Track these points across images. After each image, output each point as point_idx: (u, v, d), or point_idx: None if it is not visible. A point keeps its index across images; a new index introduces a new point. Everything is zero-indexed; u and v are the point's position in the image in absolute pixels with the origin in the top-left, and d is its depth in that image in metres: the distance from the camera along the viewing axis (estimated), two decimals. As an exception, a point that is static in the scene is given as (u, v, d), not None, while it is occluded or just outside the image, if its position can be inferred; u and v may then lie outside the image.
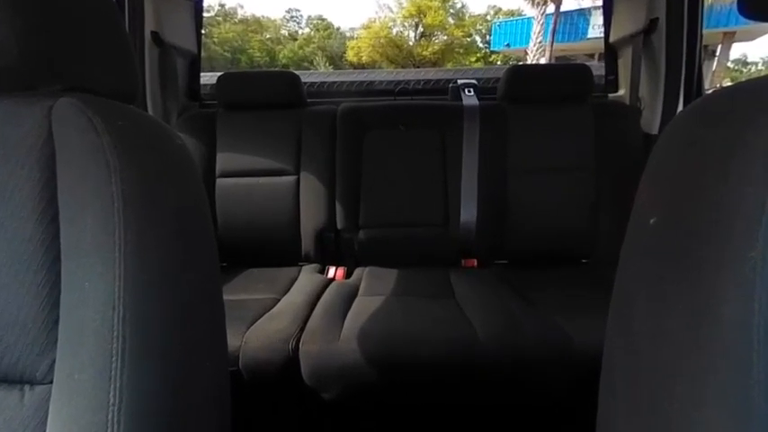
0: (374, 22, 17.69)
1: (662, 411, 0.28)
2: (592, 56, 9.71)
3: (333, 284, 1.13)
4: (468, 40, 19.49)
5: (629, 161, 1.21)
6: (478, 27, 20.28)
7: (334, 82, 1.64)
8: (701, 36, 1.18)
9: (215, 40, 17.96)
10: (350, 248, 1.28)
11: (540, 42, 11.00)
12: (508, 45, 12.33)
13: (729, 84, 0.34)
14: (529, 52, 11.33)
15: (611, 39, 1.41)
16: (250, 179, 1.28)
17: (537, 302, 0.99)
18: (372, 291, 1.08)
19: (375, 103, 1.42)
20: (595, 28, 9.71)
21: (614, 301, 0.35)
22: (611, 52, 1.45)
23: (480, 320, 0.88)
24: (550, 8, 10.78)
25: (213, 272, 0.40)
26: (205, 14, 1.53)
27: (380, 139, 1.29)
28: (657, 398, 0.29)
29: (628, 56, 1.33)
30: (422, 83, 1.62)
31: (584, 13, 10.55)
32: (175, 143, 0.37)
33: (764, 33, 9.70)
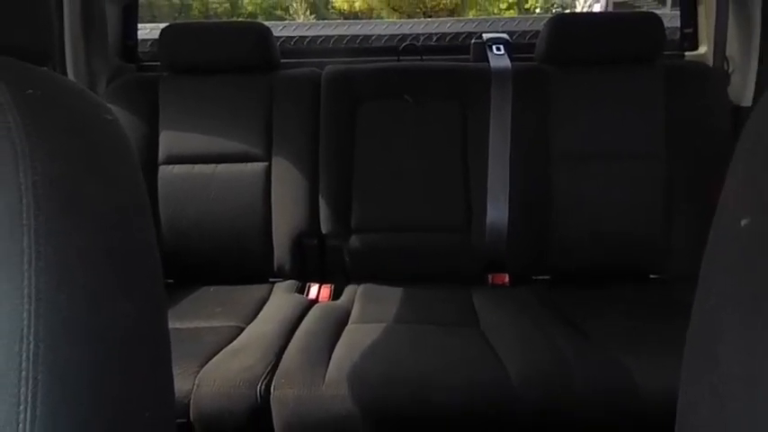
0: (372, -46, 17.72)
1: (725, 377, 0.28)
2: (663, 1, 9.72)
3: (315, 308, 1.13)
4: (501, -16, 19.48)
5: (713, 143, 1.20)
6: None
7: (318, 36, 1.63)
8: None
9: (158, -22, 17.99)
10: (338, 260, 1.28)
11: (594, -18, 11.03)
12: (551, -14, 12.38)
13: None
14: (578, -3, 11.35)
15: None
16: (204, 166, 1.28)
17: (590, 333, 0.99)
18: (368, 317, 1.08)
19: (372, 65, 1.41)
20: (667, -36, 9.71)
21: (693, 330, 0.35)
22: (688, -2, 1.45)
23: (514, 358, 0.88)
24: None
25: (156, 292, 0.40)
26: (144, -54, 1.53)
27: (379, 114, 1.29)
28: (746, 416, 0.29)
29: (712, 1, 1.33)
30: (435, 37, 1.61)
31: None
32: (104, 118, 0.37)
33: None
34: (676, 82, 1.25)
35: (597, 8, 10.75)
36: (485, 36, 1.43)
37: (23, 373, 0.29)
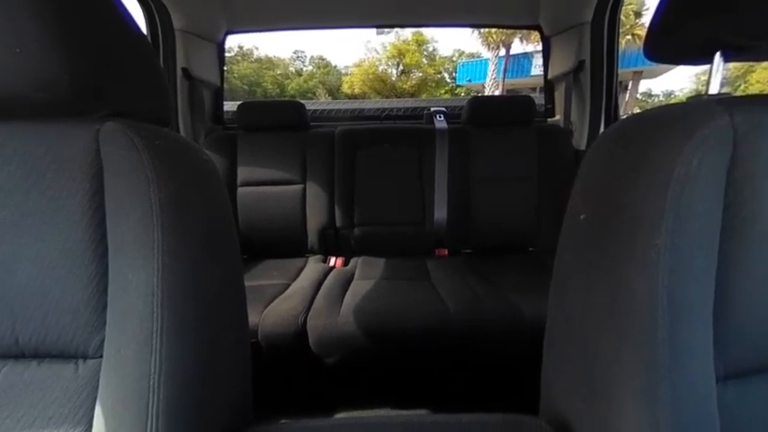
0: (364, 61, 17.65)
1: (590, 363, 0.29)
2: (534, 89, 9.90)
3: (333, 271, 1.12)
4: (439, 76, 19.67)
5: (564, 172, 1.23)
6: (446, 66, 20.44)
7: (333, 109, 1.63)
8: (617, 74, 1.21)
9: (235, 75, 17.61)
10: (347, 242, 1.27)
11: (494, 78, 11.17)
12: (470, 80, 12.50)
13: (638, 111, 0.35)
14: (486, 86, 11.48)
15: (549, 76, 1.44)
16: (265, 188, 1.26)
17: (496, 283, 1.00)
18: (365, 276, 1.07)
19: (366, 126, 1.41)
20: (537, 67, 9.89)
21: (554, 280, 0.36)
22: (549, 86, 1.48)
23: (451, 298, 0.88)
24: (502, 51, 10.96)
25: (236, 263, 0.39)
26: (227, 54, 1.50)
27: (370, 155, 1.28)
28: (587, 354, 0.30)
29: (562, 89, 1.36)
30: (402, 110, 1.62)
31: (528, 56, 10.74)
32: (203, 159, 0.36)
33: (664, 72, 10.06)
34: (543, 136, 1.27)
35: (497, 92, 10.92)
36: (432, 109, 1.44)
37: (154, 314, 0.29)
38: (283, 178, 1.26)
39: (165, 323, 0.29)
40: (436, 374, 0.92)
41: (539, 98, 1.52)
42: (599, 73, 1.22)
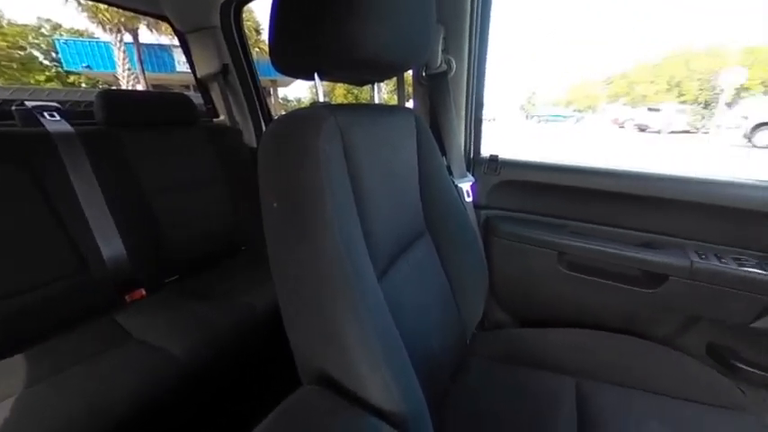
0: None
1: (309, 310, 0.36)
2: (187, 87, 9.28)
3: None
4: (22, 54, 13.04)
5: (246, 169, 1.30)
6: (33, 40, 13.85)
7: None
8: (258, 79, 1.41)
9: None
10: None
11: (129, 69, 9.12)
12: (89, 67, 9.31)
13: (284, 112, 0.44)
14: (120, 77, 9.15)
15: (198, 75, 1.40)
16: None
17: (219, 296, 0.93)
18: None
19: None
20: (181, 63, 9.22)
21: (272, 266, 0.40)
22: (202, 86, 1.44)
23: (174, 337, 0.73)
24: (128, 37, 9.03)
25: None
26: None
27: None
28: (305, 304, 0.37)
29: (217, 89, 1.39)
30: None
31: (166, 49, 9.66)
32: None
33: (292, 82, 13.08)
34: (214, 136, 1.24)
35: (140, 87, 9.11)
36: (30, 104, 0.94)
37: None
38: None
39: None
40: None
41: (196, 97, 1.46)
42: (245, 78, 1.36)
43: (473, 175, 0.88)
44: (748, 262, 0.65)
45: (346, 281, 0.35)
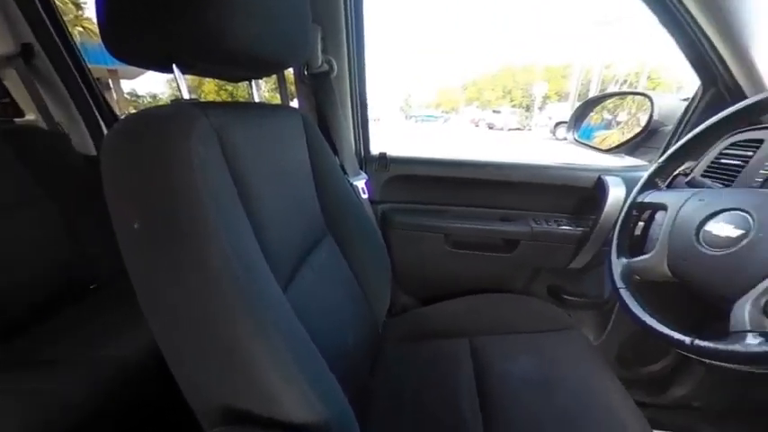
0: None
1: (200, 340, 0.31)
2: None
3: None
4: None
5: (82, 181, 0.98)
6: None
7: None
8: (89, 69, 1.10)
9: None
10: None
11: None
12: None
13: (135, 110, 0.36)
14: None
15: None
16: None
17: (73, 349, 0.69)
18: None
19: None
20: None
21: (141, 293, 0.32)
22: (-13, 73, 1.02)
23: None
24: None
25: None
26: None
27: None
28: (196, 335, 0.31)
29: (14, 78, 1.00)
30: None
31: None
32: None
33: (141, 74, 10.65)
34: (24, 143, 0.88)
35: None
36: None
37: None
38: None
39: None
40: None
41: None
42: (64, 64, 1.03)
43: (366, 173, 0.92)
44: (563, 222, 0.90)
45: (244, 298, 0.30)
